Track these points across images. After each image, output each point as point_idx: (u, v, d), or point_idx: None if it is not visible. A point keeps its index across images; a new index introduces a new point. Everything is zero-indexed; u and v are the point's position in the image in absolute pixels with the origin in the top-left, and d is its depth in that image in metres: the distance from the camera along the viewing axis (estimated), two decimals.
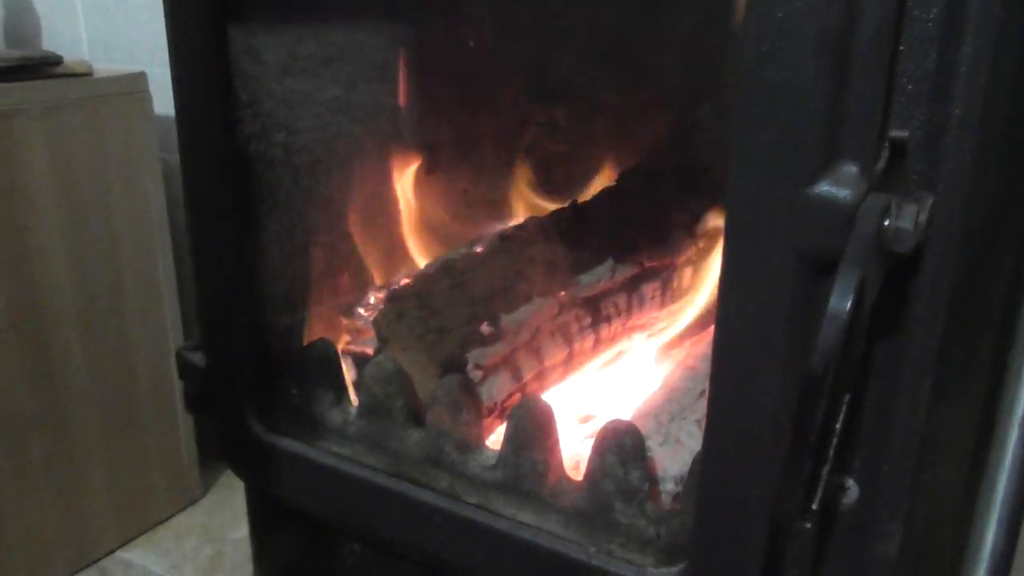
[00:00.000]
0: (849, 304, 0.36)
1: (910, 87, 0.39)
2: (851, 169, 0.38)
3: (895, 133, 0.40)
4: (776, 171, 0.38)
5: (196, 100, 0.62)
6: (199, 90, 0.62)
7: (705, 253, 0.86)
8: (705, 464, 0.46)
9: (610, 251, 0.76)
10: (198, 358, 0.69)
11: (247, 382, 0.67)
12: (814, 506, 0.40)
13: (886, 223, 0.38)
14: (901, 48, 0.39)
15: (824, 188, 0.38)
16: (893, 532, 0.49)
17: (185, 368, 0.70)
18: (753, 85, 0.39)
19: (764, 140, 0.38)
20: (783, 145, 0.38)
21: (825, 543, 0.49)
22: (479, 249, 0.77)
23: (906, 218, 0.38)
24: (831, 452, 0.39)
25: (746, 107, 0.39)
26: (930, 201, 0.39)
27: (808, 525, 0.40)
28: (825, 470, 0.39)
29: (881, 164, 0.40)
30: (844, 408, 0.39)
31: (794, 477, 0.38)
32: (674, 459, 0.61)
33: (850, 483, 0.49)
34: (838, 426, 0.39)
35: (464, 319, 0.67)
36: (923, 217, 0.38)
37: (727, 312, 0.42)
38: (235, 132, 0.64)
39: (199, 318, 0.67)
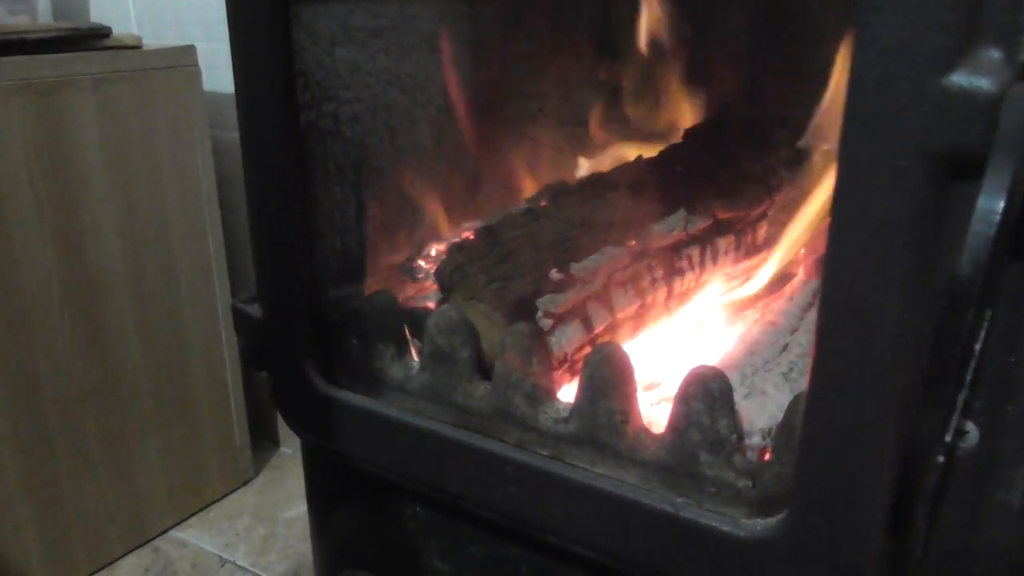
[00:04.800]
0: (1002, 203, 0.31)
1: None
2: (993, 55, 0.34)
3: None
4: (907, 57, 0.34)
5: (256, 73, 0.62)
6: (259, 63, 0.61)
7: (780, 209, 0.81)
8: (812, 400, 0.42)
9: (682, 204, 0.72)
10: (254, 310, 0.66)
11: (305, 334, 0.64)
12: (947, 438, 0.36)
13: None
14: None
15: (963, 77, 0.34)
16: (1016, 481, 0.44)
17: (240, 320, 0.67)
18: None
19: (893, 20, 0.33)
20: (917, 25, 0.33)
21: (942, 490, 0.45)
22: (543, 203, 0.74)
23: None
24: (969, 377, 0.35)
25: None
26: None
27: (941, 459, 0.36)
28: (962, 396, 0.35)
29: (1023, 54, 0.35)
30: (985, 327, 0.35)
31: (932, 403, 0.33)
32: (761, 411, 0.57)
33: (969, 426, 0.44)
34: (978, 347, 0.34)
35: (531, 268, 0.64)
36: None
37: (843, 224, 0.38)
38: (292, 102, 0.63)
39: (256, 267, 0.64)
